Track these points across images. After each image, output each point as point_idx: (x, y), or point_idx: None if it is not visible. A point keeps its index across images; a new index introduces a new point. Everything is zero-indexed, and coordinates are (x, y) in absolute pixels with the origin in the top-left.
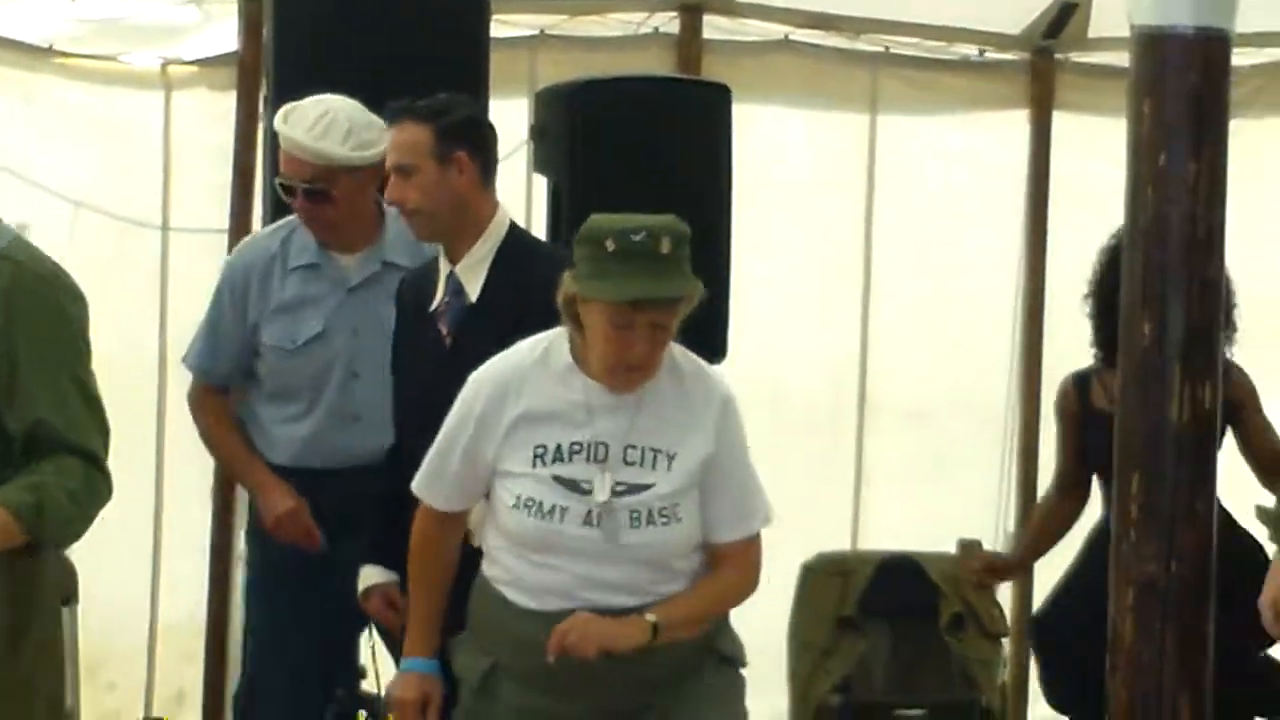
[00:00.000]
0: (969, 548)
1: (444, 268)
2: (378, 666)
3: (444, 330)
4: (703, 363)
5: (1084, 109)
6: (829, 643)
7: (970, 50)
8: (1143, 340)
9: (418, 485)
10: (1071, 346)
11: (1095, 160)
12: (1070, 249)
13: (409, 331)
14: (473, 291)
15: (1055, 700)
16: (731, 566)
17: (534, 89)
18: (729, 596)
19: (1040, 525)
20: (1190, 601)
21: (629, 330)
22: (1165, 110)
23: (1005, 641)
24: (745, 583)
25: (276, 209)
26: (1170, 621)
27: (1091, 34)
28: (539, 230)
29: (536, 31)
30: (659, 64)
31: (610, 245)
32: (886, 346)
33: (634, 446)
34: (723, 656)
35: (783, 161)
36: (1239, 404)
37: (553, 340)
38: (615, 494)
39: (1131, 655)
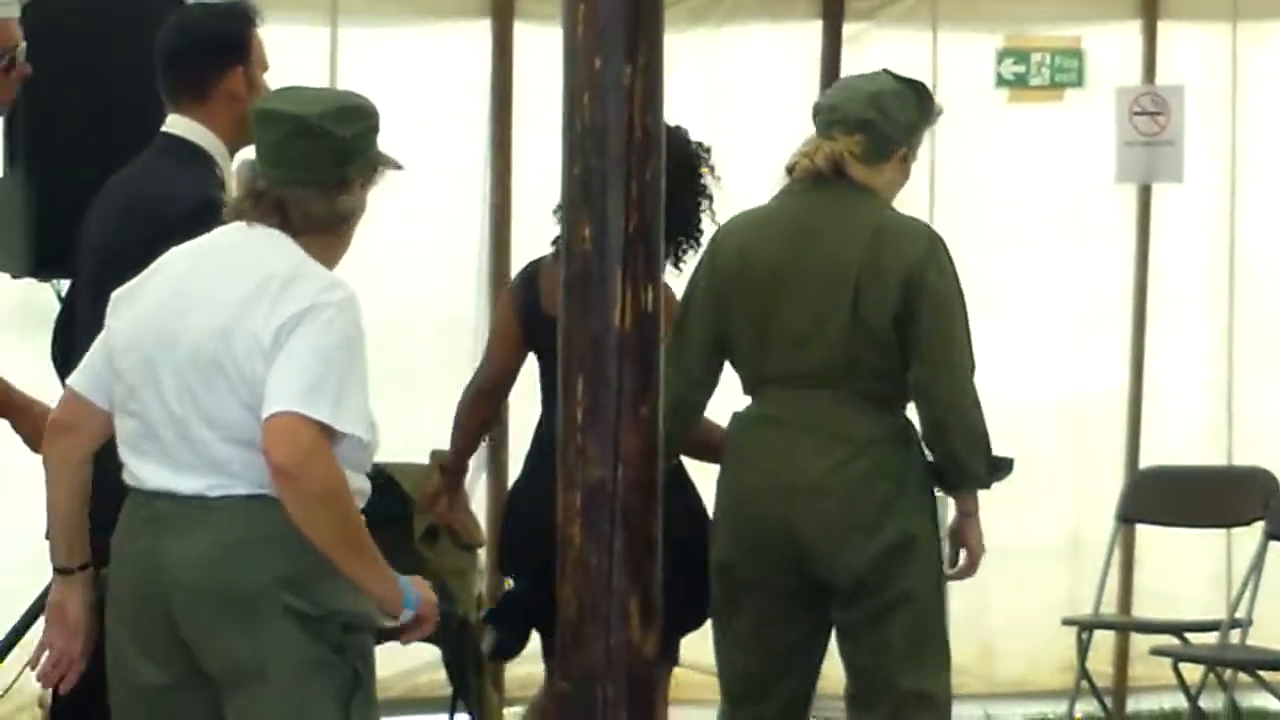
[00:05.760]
0: (442, 458)
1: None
2: None
3: None
4: None
5: (544, 18)
6: None
7: None
8: (583, 244)
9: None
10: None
11: (558, 69)
12: (535, 160)
13: None
14: None
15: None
16: None
17: None
18: None
19: (468, 429)
20: (638, 504)
21: None
22: (599, 14)
23: (481, 552)
24: None
25: None
26: (618, 524)
27: None
28: None
29: None
30: None
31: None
32: (351, 262)
33: None
34: None
35: None
36: None
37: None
38: None
39: (581, 560)
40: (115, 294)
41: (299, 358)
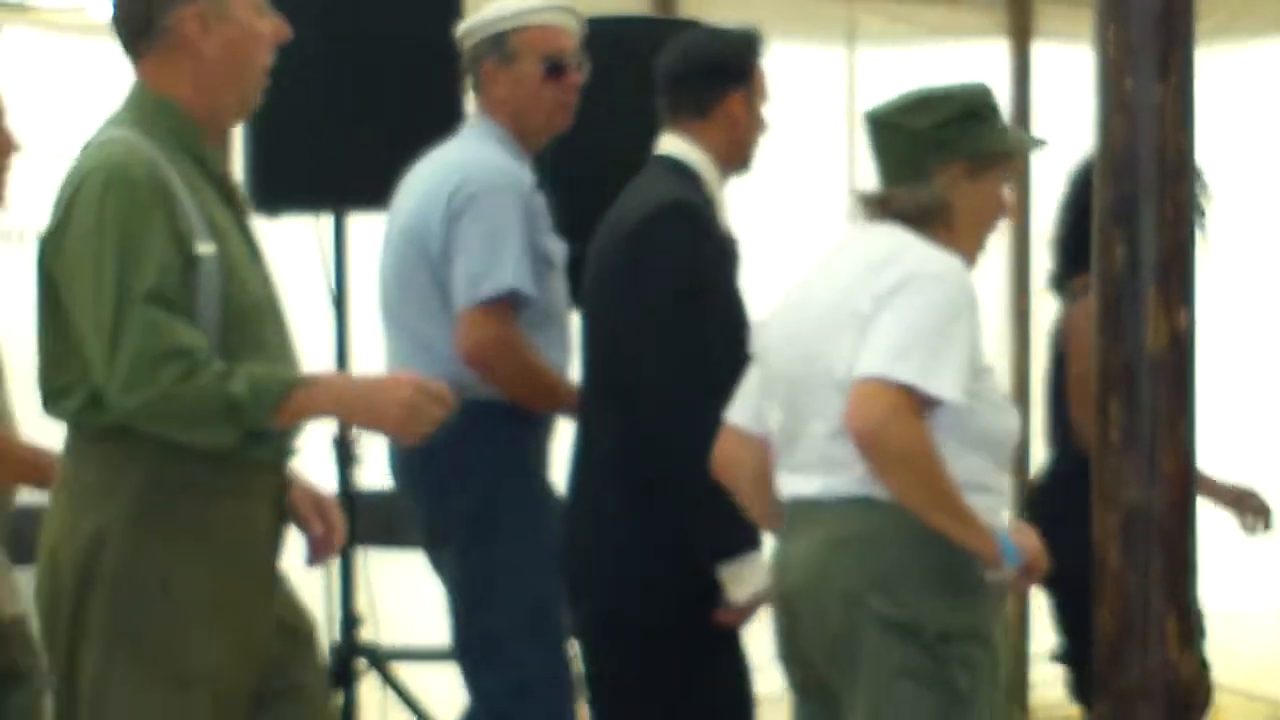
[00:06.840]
0: None
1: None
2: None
3: None
4: None
5: (1064, 37)
6: None
7: None
8: (1116, 266)
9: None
10: None
11: (1076, 89)
12: (1052, 180)
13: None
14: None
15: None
16: None
17: None
18: None
19: None
20: (1175, 525)
21: None
22: (1131, 35)
23: None
24: None
25: None
26: (1155, 546)
27: None
28: None
29: None
30: (633, 3)
31: (994, 102)
32: None
33: None
34: None
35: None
36: None
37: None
38: None
39: (1118, 581)
40: (756, 322)
41: (887, 325)
